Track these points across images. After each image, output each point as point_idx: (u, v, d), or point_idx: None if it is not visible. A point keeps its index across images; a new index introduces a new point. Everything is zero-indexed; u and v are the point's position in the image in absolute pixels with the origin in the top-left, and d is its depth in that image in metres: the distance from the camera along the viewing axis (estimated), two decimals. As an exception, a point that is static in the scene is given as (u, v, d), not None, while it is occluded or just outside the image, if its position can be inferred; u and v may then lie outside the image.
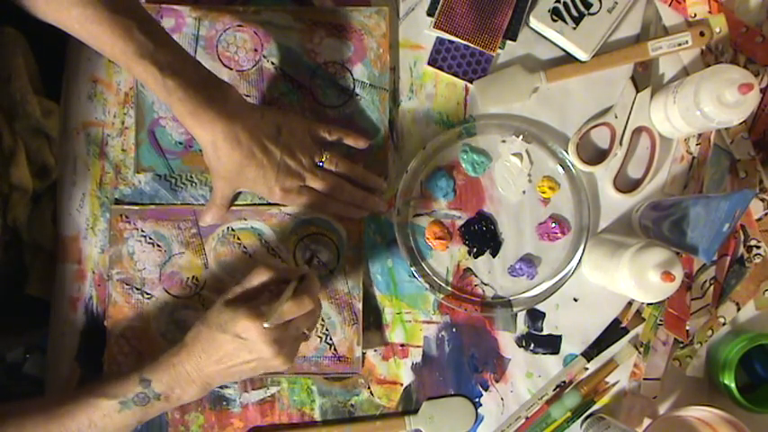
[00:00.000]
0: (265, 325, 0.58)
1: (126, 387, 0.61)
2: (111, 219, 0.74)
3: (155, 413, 0.62)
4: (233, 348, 0.60)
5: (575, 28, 0.75)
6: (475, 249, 0.77)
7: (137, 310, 0.74)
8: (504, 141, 0.77)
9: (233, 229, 0.74)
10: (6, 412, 0.59)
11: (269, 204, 0.75)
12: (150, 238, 0.74)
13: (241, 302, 0.61)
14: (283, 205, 0.74)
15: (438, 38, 0.77)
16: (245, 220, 0.74)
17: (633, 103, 0.77)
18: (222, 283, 0.74)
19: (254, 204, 0.75)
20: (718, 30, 0.77)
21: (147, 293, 0.74)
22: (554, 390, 0.76)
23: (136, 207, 0.74)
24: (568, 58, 0.77)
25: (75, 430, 0.60)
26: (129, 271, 0.74)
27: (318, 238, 0.75)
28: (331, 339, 0.74)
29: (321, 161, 0.70)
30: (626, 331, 0.77)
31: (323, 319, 0.74)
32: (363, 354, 0.75)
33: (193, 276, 0.74)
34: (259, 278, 0.63)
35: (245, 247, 0.75)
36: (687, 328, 0.76)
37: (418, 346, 0.76)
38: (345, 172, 0.72)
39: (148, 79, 0.61)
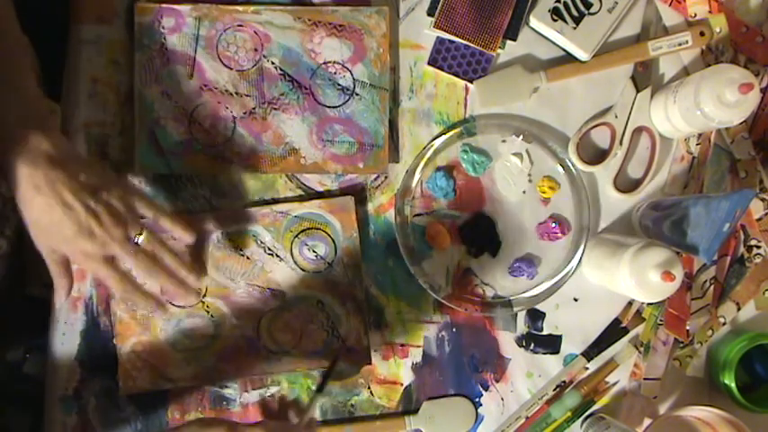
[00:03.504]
0: None
1: None
2: None
3: None
4: None
5: (575, 28, 0.75)
6: (475, 249, 0.77)
7: (143, 325, 0.73)
8: (504, 141, 0.77)
9: (228, 233, 0.74)
10: None
11: (258, 204, 0.75)
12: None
13: None
14: (275, 202, 0.75)
15: (438, 38, 0.77)
16: (239, 222, 0.74)
17: (633, 102, 0.77)
18: (223, 287, 0.74)
19: (245, 205, 0.75)
20: (718, 30, 0.77)
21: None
22: (554, 390, 0.76)
23: None
24: (568, 58, 0.77)
25: None
26: None
27: (314, 232, 0.75)
28: (337, 332, 0.74)
29: (137, 237, 0.64)
30: (626, 331, 0.77)
31: (327, 313, 0.75)
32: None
33: None
34: None
35: (241, 249, 0.75)
36: (687, 328, 0.76)
37: (418, 346, 0.76)
38: (161, 258, 0.66)
39: None
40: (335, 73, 0.76)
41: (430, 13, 0.77)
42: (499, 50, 0.77)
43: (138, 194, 0.65)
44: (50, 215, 0.60)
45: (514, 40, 0.77)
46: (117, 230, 0.62)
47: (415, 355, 0.76)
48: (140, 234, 0.64)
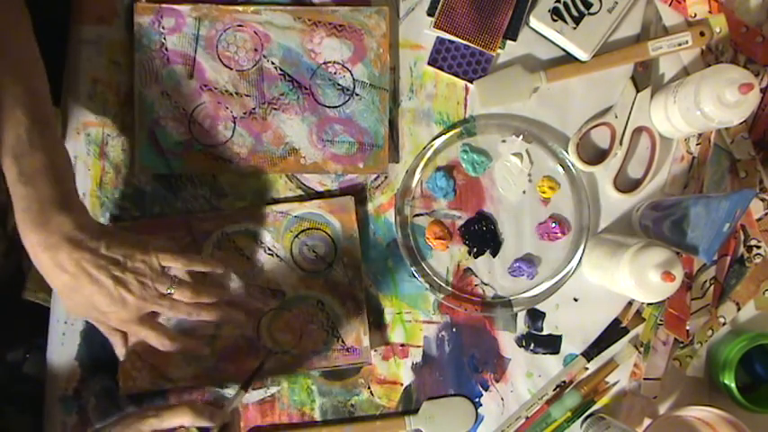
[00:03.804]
0: None
1: None
2: None
3: None
4: None
5: (575, 28, 0.75)
6: (475, 249, 0.77)
7: None
8: (504, 141, 0.77)
9: (227, 234, 0.74)
10: None
11: (258, 204, 0.75)
12: None
13: None
14: (275, 202, 0.75)
15: (438, 38, 0.77)
16: (239, 222, 0.75)
17: (633, 103, 0.77)
18: (224, 288, 0.74)
19: (244, 207, 0.75)
20: (718, 30, 0.77)
21: None
22: (554, 390, 0.76)
23: (127, 223, 0.74)
24: (568, 58, 0.77)
25: None
26: None
27: (314, 233, 0.75)
28: (338, 332, 0.74)
29: (170, 290, 0.65)
30: (626, 331, 0.77)
31: (327, 313, 0.75)
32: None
33: None
34: (179, 419, 0.61)
35: (241, 250, 0.75)
36: (687, 328, 0.76)
37: (418, 346, 0.76)
38: (202, 300, 0.67)
39: (7, 175, 0.59)
40: (335, 73, 0.76)
41: (430, 13, 0.77)
42: (499, 50, 0.77)
43: (161, 251, 0.65)
44: (80, 292, 0.61)
45: (514, 40, 0.77)
46: (148, 292, 0.63)
47: (415, 355, 0.76)
48: (171, 287, 0.64)
